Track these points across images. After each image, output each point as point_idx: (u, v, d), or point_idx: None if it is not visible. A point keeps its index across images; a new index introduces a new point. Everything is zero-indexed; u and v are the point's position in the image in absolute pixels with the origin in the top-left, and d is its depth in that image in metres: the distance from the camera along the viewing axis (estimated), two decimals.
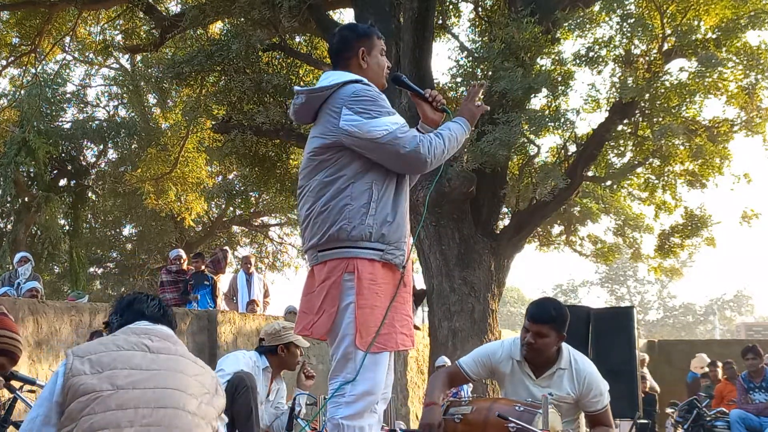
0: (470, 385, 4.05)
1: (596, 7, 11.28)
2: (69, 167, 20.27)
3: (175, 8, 15.53)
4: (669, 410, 10.73)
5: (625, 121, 11.52)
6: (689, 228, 12.58)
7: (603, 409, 3.89)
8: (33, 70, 17.44)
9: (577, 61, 10.79)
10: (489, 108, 3.37)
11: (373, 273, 3.07)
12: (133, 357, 2.60)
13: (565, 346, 3.94)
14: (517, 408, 3.54)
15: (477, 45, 12.37)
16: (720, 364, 11.51)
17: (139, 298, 2.91)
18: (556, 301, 4.09)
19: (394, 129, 3.06)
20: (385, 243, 3.08)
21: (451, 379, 4.10)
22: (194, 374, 2.69)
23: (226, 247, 13.09)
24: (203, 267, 10.69)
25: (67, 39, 16.81)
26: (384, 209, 3.10)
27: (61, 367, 2.58)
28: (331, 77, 3.22)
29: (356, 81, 3.16)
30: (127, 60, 19.66)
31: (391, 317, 3.10)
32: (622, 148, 12.45)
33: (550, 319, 3.83)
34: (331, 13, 13.06)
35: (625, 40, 10.73)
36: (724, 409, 9.39)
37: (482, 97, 3.40)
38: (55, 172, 20.07)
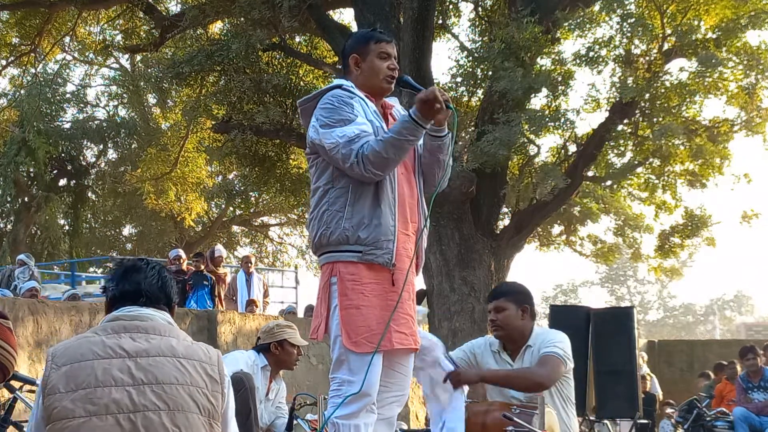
0: (467, 388, 4.07)
1: (596, 7, 11.28)
2: (69, 167, 20.29)
3: (175, 8, 15.55)
4: (669, 410, 10.74)
5: (625, 121, 11.52)
6: (689, 228, 12.57)
7: (547, 354, 3.85)
8: (33, 70, 17.47)
9: (577, 61, 10.80)
10: (443, 93, 3.18)
11: (356, 273, 3.10)
12: (110, 368, 2.43)
13: (539, 327, 4.03)
14: (513, 410, 3.54)
15: (477, 45, 12.38)
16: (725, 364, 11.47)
17: (137, 266, 2.68)
18: (513, 281, 4.21)
19: (342, 142, 3.07)
20: (363, 244, 3.10)
21: None
22: (180, 381, 2.48)
23: (219, 245, 13.03)
24: (203, 267, 10.68)
25: (67, 39, 16.82)
26: (360, 212, 3.11)
27: (42, 377, 2.46)
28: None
29: (336, 87, 3.24)
30: (127, 60, 19.69)
31: (384, 317, 3.10)
32: (622, 148, 12.45)
33: (502, 293, 4.03)
34: (331, 13, 13.06)
35: (625, 40, 10.73)
36: (725, 409, 9.39)
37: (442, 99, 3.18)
38: (55, 172, 20.09)
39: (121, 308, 2.62)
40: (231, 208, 22.19)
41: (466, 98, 12.59)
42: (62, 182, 20.76)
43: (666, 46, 10.78)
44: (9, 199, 19.31)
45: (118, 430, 2.38)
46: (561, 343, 3.91)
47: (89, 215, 22.04)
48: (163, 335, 2.58)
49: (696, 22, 10.93)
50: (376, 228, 3.11)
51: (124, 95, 20.51)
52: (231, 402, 2.64)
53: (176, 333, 2.63)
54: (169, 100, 18.03)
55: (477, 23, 13.19)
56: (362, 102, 3.22)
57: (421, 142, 3.34)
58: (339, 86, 3.23)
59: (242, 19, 11.18)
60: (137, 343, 2.52)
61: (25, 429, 2.96)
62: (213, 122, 13.46)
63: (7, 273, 10.47)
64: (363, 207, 3.12)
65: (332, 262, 3.14)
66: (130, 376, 2.45)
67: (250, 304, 10.86)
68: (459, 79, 11.90)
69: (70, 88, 20.88)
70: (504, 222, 12.35)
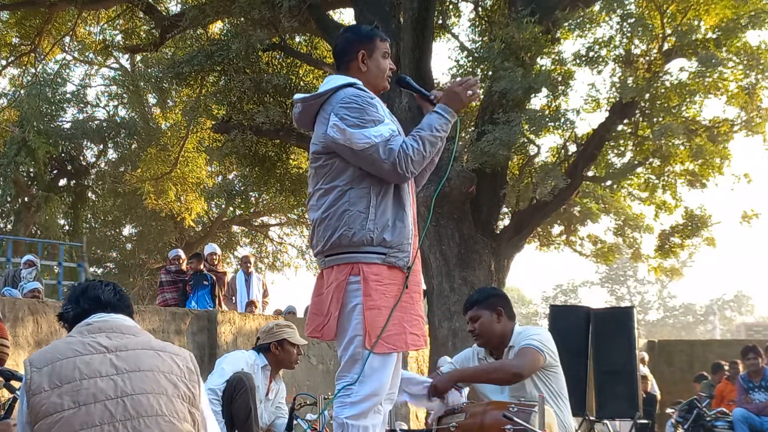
0: (467, 389, 4.11)
1: (596, 7, 11.28)
2: (69, 167, 20.28)
3: (175, 8, 15.55)
4: (669, 410, 10.73)
5: (625, 121, 11.52)
6: (689, 228, 12.56)
7: (523, 347, 3.89)
8: (33, 70, 17.47)
9: (577, 61, 10.79)
10: (480, 96, 3.28)
11: (379, 274, 3.07)
12: (92, 362, 2.48)
13: (520, 327, 4.05)
14: (511, 409, 3.55)
15: (477, 45, 12.38)
16: (726, 366, 11.46)
17: (93, 285, 2.78)
18: (484, 287, 4.24)
19: (378, 141, 3.02)
20: (387, 247, 3.07)
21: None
22: (160, 369, 2.55)
23: (210, 243, 13.01)
24: (201, 266, 10.68)
25: (67, 39, 16.83)
26: (384, 214, 3.09)
27: (23, 385, 2.49)
28: (328, 82, 3.23)
29: (349, 85, 3.15)
30: (127, 60, 19.68)
31: (399, 318, 3.09)
32: (622, 148, 12.44)
33: (474, 302, 4.06)
34: (331, 13, 13.06)
35: (625, 40, 10.73)
36: (725, 409, 9.39)
37: (481, 94, 3.30)
38: (55, 172, 20.08)
39: (90, 317, 2.68)
40: (231, 208, 22.17)
41: None
42: (62, 182, 20.74)
43: (666, 46, 10.77)
44: (9, 199, 19.29)
45: (109, 416, 2.41)
46: (538, 335, 3.95)
47: (89, 215, 22.03)
48: (137, 334, 2.65)
49: (696, 22, 10.92)
50: (401, 231, 3.10)
51: (124, 95, 20.48)
52: (205, 398, 2.70)
53: (147, 333, 2.71)
54: (169, 100, 18.02)
55: (477, 23, 13.19)
56: (380, 103, 3.19)
57: None
58: (351, 84, 3.15)
59: (242, 19, 11.18)
60: (113, 340, 2.58)
61: None
62: (213, 122, 13.46)
63: (11, 273, 10.48)
64: (387, 209, 3.09)
65: (353, 262, 3.08)
66: (113, 366, 2.50)
67: (250, 305, 10.86)
68: (459, 79, 11.88)
69: (70, 88, 20.86)
70: (504, 222, 12.35)
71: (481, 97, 3.03)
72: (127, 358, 2.53)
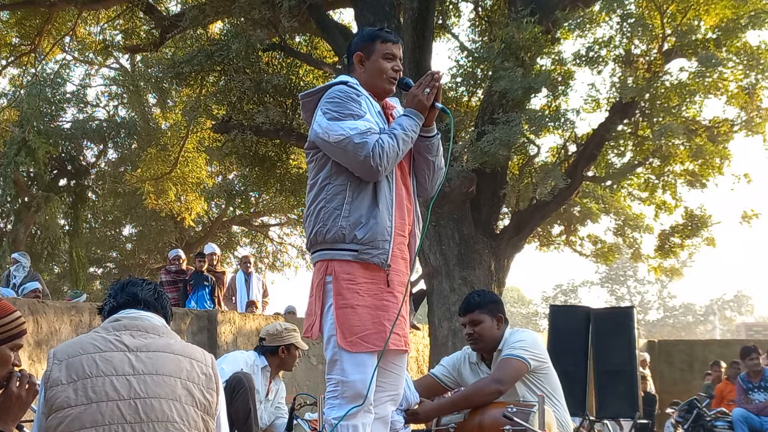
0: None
1: (596, 7, 11.28)
2: (69, 167, 20.25)
3: (175, 8, 15.54)
4: (669, 410, 10.73)
5: (625, 121, 11.52)
6: (689, 228, 12.57)
7: (503, 358, 3.86)
8: (33, 70, 17.46)
9: (577, 61, 10.79)
10: (438, 85, 3.28)
11: (352, 273, 3.07)
12: (111, 360, 2.48)
13: (509, 330, 4.02)
14: (509, 409, 3.55)
15: (477, 45, 12.38)
16: (724, 364, 11.47)
17: (133, 281, 2.80)
18: (482, 290, 4.23)
19: (352, 134, 3.04)
20: (359, 243, 3.08)
21: (425, 389, 4.11)
22: (178, 375, 2.53)
23: (209, 243, 13.00)
24: (203, 267, 10.68)
25: (67, 39, 16.83)
26: (357, 210, 3.09)
27: (43, 376, 2.49)
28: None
29: (341, 82, 3.21)
30: (127, 60, 19.67)
31: (380, 316, 3.08)
32: (622, 148, 12.45)
33: (475, 305, 4.02)
34: (331, 13, 13.05)
35: (625, 40, 10.73)
36: (725, 409, 9.39)
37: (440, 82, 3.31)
38: (55, 172, 20.06)
39: (120, 312, 2.69)
40: (231, 208, 22.17)
41: (466, 98, 12.59)
42: (62, 182, 20.71)
43: (666, 46, 10.77)
44: (9, 199, 19.26)
45: (119, 416, 2.41)
46: (521, 342, 3.91)
47: (89, 215, 22.01)
48: (161, 335, 2.64)
49: (696, 22, 10.92)
50: (373, 228, 3.09)
51: (124, 95, 20.47)
52: (223, 405, 2.67)
53: (173, 334, 2.69)
54: (169, 100, 18.01)
55: (477, 23, 13.19)
56: (368, 100, 3.22)
57: None
58: (344, 82, 3.20)
59: (242, 19, 11.18)
60: (136, 339, 2.58)
61: (25, 429, 2.96)
62: (213, 122, 13.45)
63: (6, 273, 10.50)
64: (361, 206, 3.10)
65: (327, 260, 3.11)
66: (131, 366, 2.50)
67: (251, 305, 10.86)
68: (459, 79, 11.90)
69: (70, 88, 20.83)
70: (504, 222, 12.35)
71: (444, 84, 3.03)
72: (147, 360, 2.52)
